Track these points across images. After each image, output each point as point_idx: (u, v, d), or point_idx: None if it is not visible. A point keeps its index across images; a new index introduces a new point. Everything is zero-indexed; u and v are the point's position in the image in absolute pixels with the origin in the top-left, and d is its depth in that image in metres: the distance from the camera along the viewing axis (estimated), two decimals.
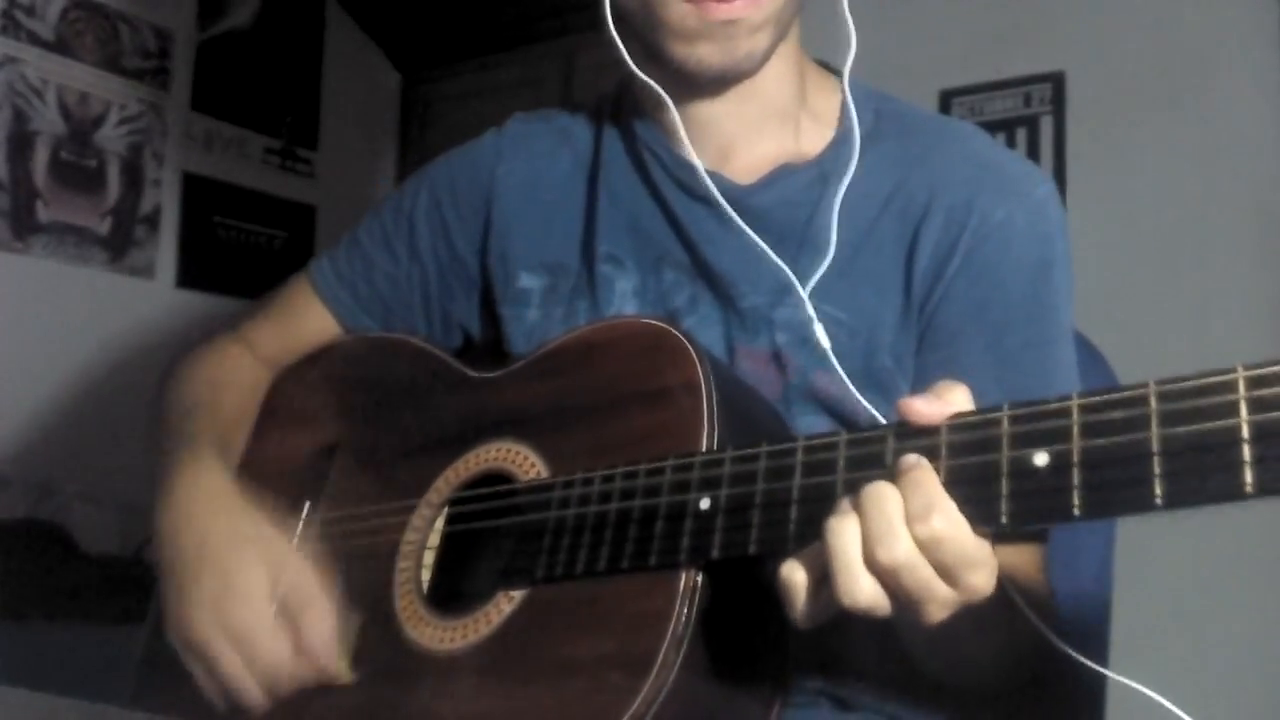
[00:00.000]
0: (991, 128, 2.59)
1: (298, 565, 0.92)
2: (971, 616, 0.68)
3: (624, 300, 1.03)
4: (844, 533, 0.66)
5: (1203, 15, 2.41)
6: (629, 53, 0.99)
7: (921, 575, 0.65)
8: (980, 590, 0.66)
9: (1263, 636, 2.19)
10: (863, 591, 0.66)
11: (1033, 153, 2.56)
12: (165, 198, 3.04)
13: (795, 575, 0.69)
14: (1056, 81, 2.57)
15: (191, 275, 3.07)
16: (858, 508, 0.66)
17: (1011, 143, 2.59)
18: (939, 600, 0.66)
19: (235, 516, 0.96)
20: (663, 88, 0.99)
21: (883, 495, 0.66)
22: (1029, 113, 2.61)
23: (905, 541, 0.65)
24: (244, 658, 0.90)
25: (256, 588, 0.91)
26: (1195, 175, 2.38)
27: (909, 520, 0.65)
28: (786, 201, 0.99)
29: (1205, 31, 2.41)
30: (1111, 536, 1.17)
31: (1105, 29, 2.52)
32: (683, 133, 0.99)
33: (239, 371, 1.16)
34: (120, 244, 2.92)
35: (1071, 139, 2.54)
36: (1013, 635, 0.76)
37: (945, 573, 0.65)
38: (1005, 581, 0.71)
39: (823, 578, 0.68)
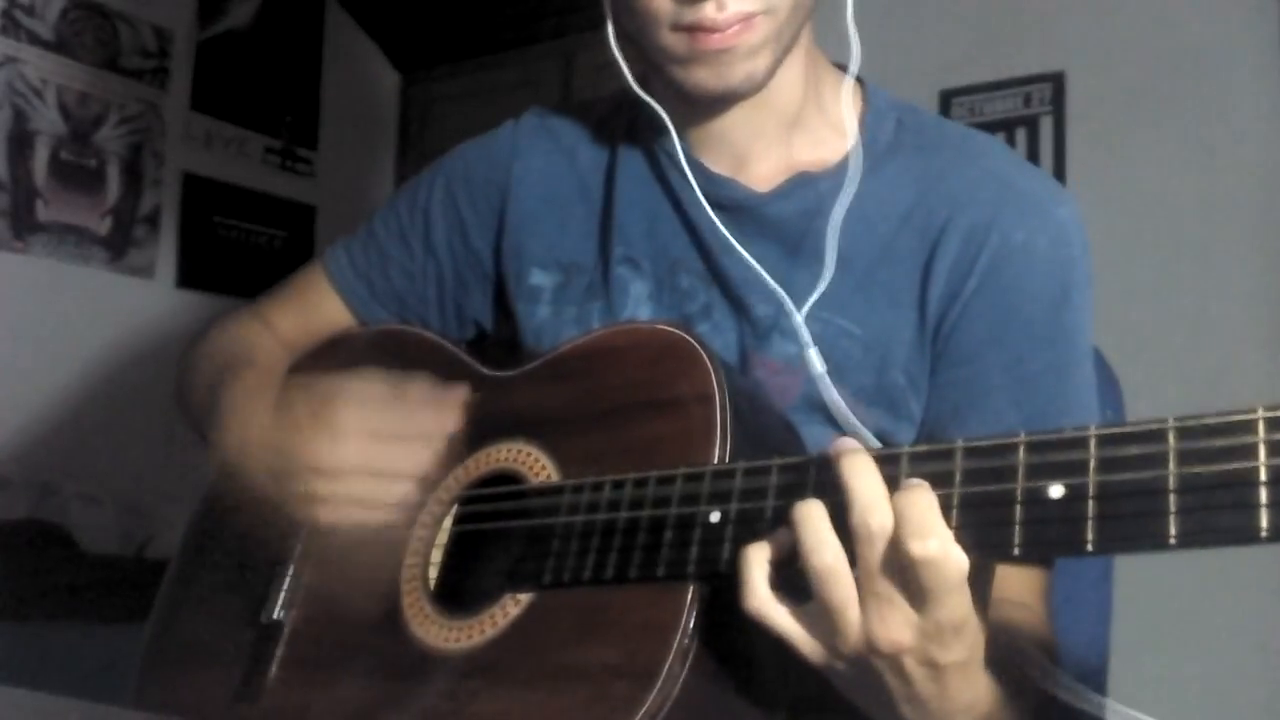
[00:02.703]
0: (991, 128, 2.59)
1: (396, 399, 0.93)
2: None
3: (639, 304, 1.03)
4: (814, 507, 0.68)
5: (1203, 15, 2.42)
6: (637, 66, 0.98)
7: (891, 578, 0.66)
8: (942, 623, 0.65)
9: (1262, 649, 2.19)
10: (829, 551, 0.67)
11: (1033, 153, 2.56)
12: (165, 198, 3.03)
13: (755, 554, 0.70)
14: (1056, 81, 2.58)
15: (191, 275, 3.07)
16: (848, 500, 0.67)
17: (1011, 143, 2.59)
18: (894, 619, 0.66)
19: (315, 378, 0.97)
20: (671, 101, 0.98)
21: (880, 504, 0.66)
22: (1029, 113, 2.61)
23: (836, 550, 0.66)
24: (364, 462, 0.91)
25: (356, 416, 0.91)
26: (1195, 175, 2.38)
27: (907, 537, 0.64)
28: (803, 210, 0.98)
29: (1205, 31, 2.41)
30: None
31: (1105, 29, 2.52)
32: (679, 149, 0.99)
33: (263, 339, 1.16)
34: (120, 244, 2.92)
35: (1071, 139, 2.54)
36: (1015, 688, 0.75)
37: (918, 593, 0.65)
38: (1000, 625, 0.70)
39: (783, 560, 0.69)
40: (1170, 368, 2.02)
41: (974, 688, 0.70)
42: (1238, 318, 2.29)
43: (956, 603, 0.65)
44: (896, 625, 0.66)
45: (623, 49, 0.98)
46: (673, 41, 0.90)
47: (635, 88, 0.99)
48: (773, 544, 0.70)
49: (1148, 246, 2.39)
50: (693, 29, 0.89)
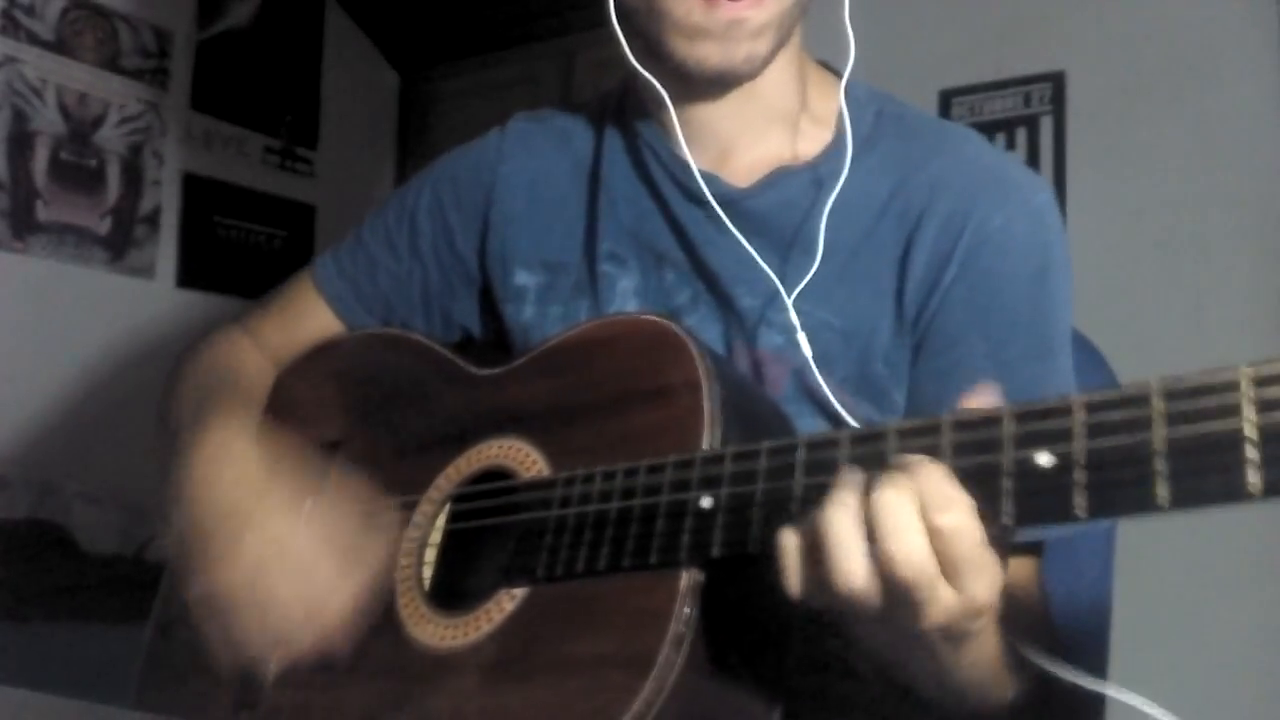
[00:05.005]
0: (991, 128, 2.59)
1: (324, 533, 0.92)
2: (970, 636, 0.68)
3: (625, 299, 1.03)
4: (845, 512, 0.65)
5: (1203, 15, 2.42)
6: (630, 50, 0.98)
7: (926, 569, 0.64)
8: (979, 600, 0.65)
9: (1264, 641, 2.19)
10: (858, 574, 0.65)
11: (1033, 152, 2.57)
12: (165, 198, 3.03)
13: (791, 541, 0.68)
14: (1056, 81, 2.58)
15: (191, 275, 3.07)
16: (868, 497, 0.65)
17: (1011, 143, 2.59)
18: (940, 601, 0.65)
19: (265, 475, 0.96)
20: (663, 87, 0.99)
21: (892, 488, 0.64)
22: (1029, 113, 2.61)
23: (913, 533, 0.63)
24: (259, 614, 0.89)
25: (283, 549, 0.90)
26: (1195, 175, 2.38)
27: (928, 509, 0.63)
28: (783, 204, 0.99)
29: (1205, 31, 2.41)
30: (1112, 536, 1.17)
31: (1105, 29, 2.52)
32: (679, 133, 0.99)
33: (248, 359, 1.16)
34: (120, 244, 2.92)
35: (1071, 139, 2.55)
36: (1012, 657, 0.75)
37: (952, 570, 0.64)
38: (1005, 597, 0.70)
39: (818, 550, 0.67)
40: (1169, 366, 2.01)
41: (986, 646, 0.71)
42: (1237, 317, 2.29)
43: (985, 588, 0.65)
44: (936, 611, 0.66)
45: (621, 27, 0.98)
46: (686, 9, 0.91)
47: (634, 63, 0.98)
48: (803, 533, 0.69)
49: (1147, 245, 2.39)
50: None
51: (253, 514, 0.92)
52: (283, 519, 0.93)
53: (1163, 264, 2.39)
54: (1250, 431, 0.57)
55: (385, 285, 1.17)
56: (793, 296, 0.94)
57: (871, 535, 0.64)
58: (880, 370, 0.96)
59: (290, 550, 0.91)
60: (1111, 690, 0.71)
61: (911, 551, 0.64)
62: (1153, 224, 2.41)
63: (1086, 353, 1.17)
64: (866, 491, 0.65)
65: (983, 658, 0.72)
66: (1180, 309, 2.35)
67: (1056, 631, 0.90)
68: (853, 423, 0.90)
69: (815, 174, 0.99)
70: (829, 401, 0.91)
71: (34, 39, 2.77)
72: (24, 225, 2.73)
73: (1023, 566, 0.91)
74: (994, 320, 0.94)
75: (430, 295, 1.16)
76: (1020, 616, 0.75)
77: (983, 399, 0.69)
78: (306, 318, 1.19)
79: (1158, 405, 0.60)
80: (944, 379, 0.94)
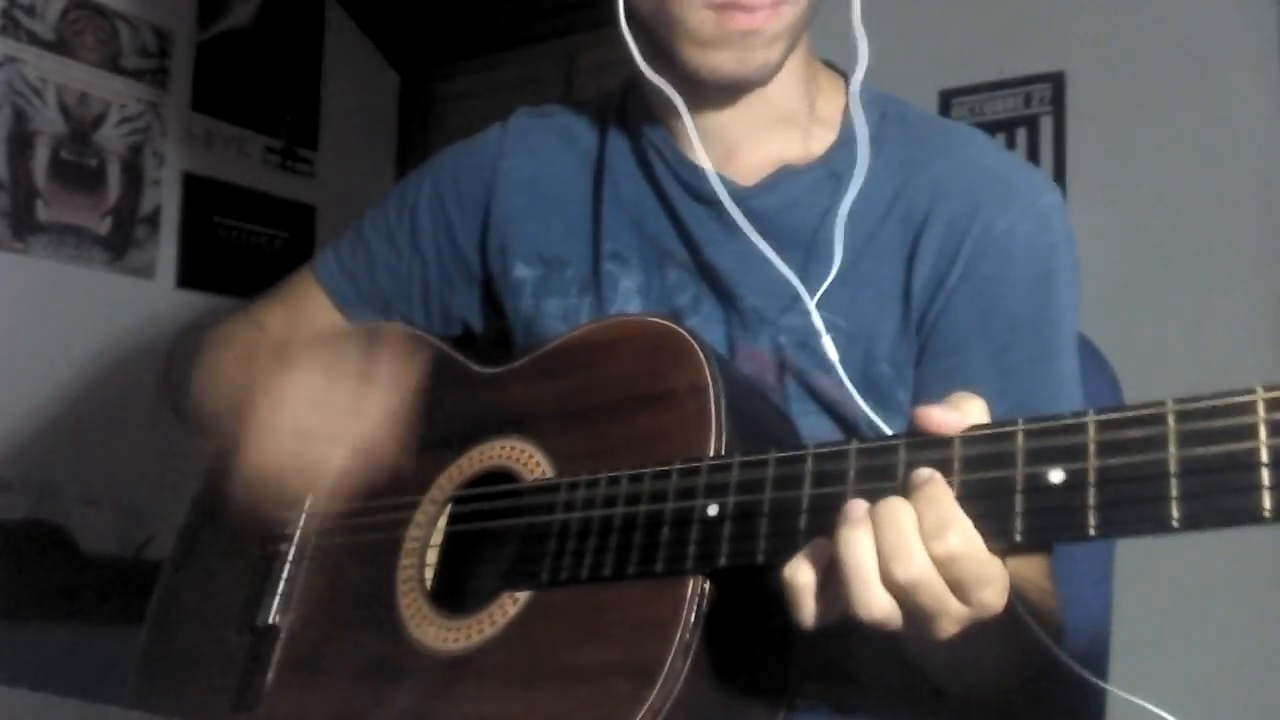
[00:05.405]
0: (991, 128, 2.59)
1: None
2: (977, 628, 0.68)
3: (628, 298, 1.03)
4: (859, 545, 0.65)
5: (1203, 15, 2.42)
6: (637, 51, 0.98)
7: (936, 591, 0.65)
8: (991, 606, 0.66)
9: (1263, 645, 2.19)
10: (879, 605, 0.65)
11: (1033, 153, 2.56)
12: (165, 198, 3.04)
13: (801, 576, 0.68)
14: (1056, 81, 2.57)
15: (191, 275, 3.07)
16: (873, 522, 0.66)
17: (1011, 143, 2.59)
18: (951, 615, 0.65)
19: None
20: (675, 89, 0.98)
21: (897, 511, 0.65)
22: (1029, 113, 2.61)
23: (921, 558, 0.64)
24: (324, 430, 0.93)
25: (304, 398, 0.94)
26: (1195, 175, 2.38)
27: (924, 537, 0.64)
28: (788, 204, 0.99)
29: (1205, 31, 2.41)
30: (1111, 543, 1.17)
31: (1105, 29, 2.52)
32: (694, 135, 0.98)
33: (260, 348, 1.16)
34: (120, 244, 2.92)
35: (1071, 139, 2.54)
36: (1015, 643, 0.76)
37: (959, 589, 0.65)
38: (1014, 598, 0.70)
39: (827, 579, 0.67)
40: (1170, 367, 2.01)
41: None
42: (1238, 317, 2.29)
43: (995, 595, 0.66)
44: (948, 624, 0.67)
45: (630, 34, 0.97)
46: (700, 20, 0.90)
47: (646, 69, 0.97)
48: (814, 561, 0.69)
49: (1148, 246, 2.39)
50: (724, 8, 0.89)
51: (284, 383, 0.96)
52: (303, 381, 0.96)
53: (1163, 264, 2.39)
54: (1264, 454, 0.57)
55: (385, 280, 1.17)
56: (815, 299, 0.93)
57: (883, 565, 0.65)
58: (885, 371, 0.96)
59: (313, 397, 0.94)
60: (1114, 689, 0.71)
61: (914, 576, 0.64)
62: (1153, 224, 2.41)
63: (1088, 353, 1.17)
64: (872, 522, 0.66)
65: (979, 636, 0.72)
66: (1181, 309, 2.35)
67: (1065, 625, 0.90)
68: (879, 422, 0.89)
69: (821, 173, 0.99)
70: (849, 398, 0.91)
71: (34, 39, 2.77)
72: (24, 225, 2.73)
73: (1034, 563, 0.91)
74: (995, 324, 0.94)
75: (430, 290, 1.16)
76: (1031, 608, 0.75)
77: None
78: (309, 312, 1.19)
79: (1171, 425, 0.60)
80: (946, 383, 0.93)
